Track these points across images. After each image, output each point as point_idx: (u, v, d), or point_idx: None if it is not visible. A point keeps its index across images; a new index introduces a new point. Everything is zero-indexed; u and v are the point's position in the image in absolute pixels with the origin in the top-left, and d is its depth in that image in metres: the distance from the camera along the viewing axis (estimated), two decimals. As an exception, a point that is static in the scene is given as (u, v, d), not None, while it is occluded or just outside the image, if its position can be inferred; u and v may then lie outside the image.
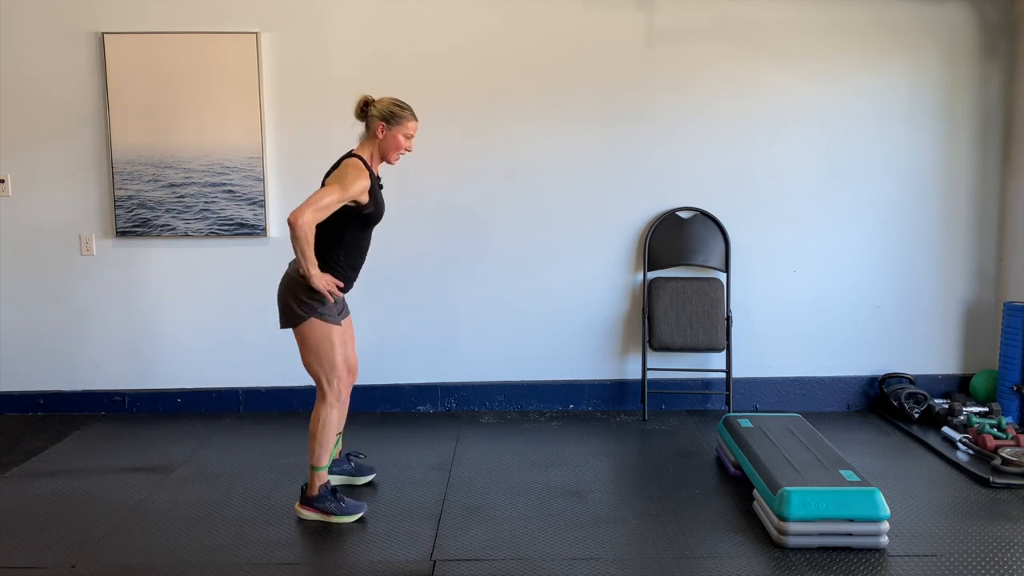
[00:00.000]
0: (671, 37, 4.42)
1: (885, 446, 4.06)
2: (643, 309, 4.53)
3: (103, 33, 4.32)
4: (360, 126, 3.24)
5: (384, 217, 3.28)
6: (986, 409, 4.19)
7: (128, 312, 4.53)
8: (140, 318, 4.54)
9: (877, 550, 2.93)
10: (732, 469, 3.59)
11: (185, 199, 4.42)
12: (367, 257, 3.32)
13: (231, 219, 4.44)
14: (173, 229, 4.45)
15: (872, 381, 4.65)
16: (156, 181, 4.41)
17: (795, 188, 4.53)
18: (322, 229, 3.15)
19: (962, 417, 4.14)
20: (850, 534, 2.91)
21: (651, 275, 4.56)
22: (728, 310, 4.52)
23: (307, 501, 3.22)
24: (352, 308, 3.81)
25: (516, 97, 4.44)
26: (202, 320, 4.54)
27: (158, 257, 4.50)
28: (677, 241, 4.50)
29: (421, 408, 4.64)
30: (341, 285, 3.14)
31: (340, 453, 3.55)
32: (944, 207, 4.56)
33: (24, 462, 3.87)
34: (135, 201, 4.42)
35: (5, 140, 4.41)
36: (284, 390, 4.59)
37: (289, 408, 4.60)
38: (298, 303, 3.08)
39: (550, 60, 4.42)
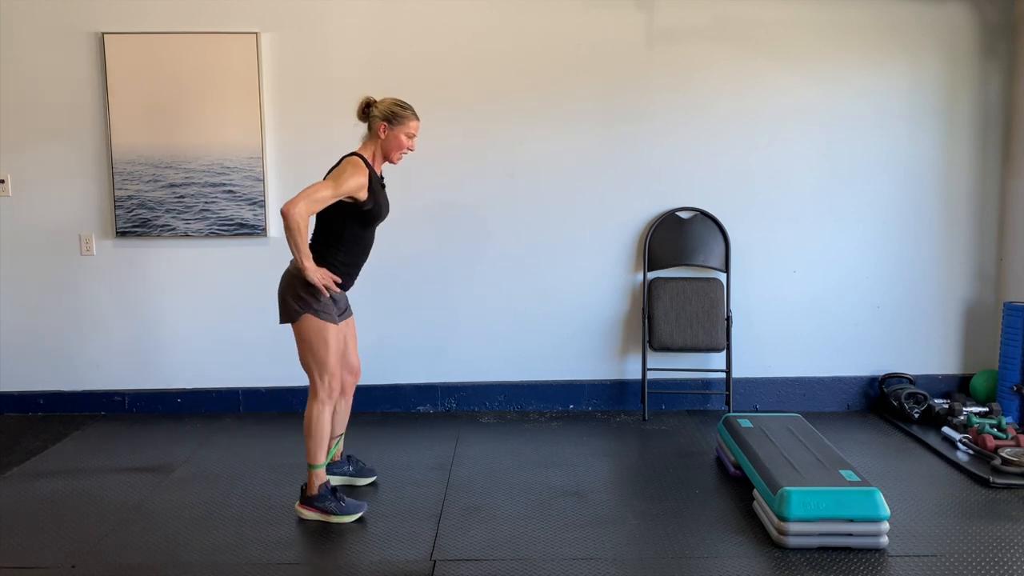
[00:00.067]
0: (671, 37, 4.42)
1: (885, 446, 4.06)
2: (643, 309, 4.53)
3: (103, 33, 4.32)
4: (362, 127, 3.26)
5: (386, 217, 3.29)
6: (986, 409, 4.19)
7: (128, 312, 4.53)
8: (140, 318, 4.54)
9: (877, 550, 2.93)
10: (732, 469, 3.59)
11: (185, 199, 4.42)
12: (369, 256, 3.32)
13: (231, 219, 4.44)
14: (173, 229, 4.45)
15: (872, 381, 4.65)
16: (156, 181, 4.41)
17: (795, 188, 4.53)
18: (322, 225, 3.17)
19: (962, 417, 4.14)
20: (850, 534, 2.91)
21: (651, 275, 4.56)
22: (728, 310, 4.52)
23: (307, 501, 3.22)
24: (352, 308, 3.80)
25: (516, 97, 4.44)
26: (202, 320, 4.54)
27: (158, 257, 4.50)
28: (677, 241, 4.50)
29: (421, 408, 4.64)
30: (338, 281, 3.15)
31: (341, 455, 3.55)
32: (944, 207, 4.56)
33: (24, 462, 3.87)
34: (135, 201, 4.42)
35: (5, 140, 4.41)
36: (284, 390, 4.59)
37: (289, 408, 4.60)
38: (295, 298, 3.10)
39: (550, 60, 4.42)
